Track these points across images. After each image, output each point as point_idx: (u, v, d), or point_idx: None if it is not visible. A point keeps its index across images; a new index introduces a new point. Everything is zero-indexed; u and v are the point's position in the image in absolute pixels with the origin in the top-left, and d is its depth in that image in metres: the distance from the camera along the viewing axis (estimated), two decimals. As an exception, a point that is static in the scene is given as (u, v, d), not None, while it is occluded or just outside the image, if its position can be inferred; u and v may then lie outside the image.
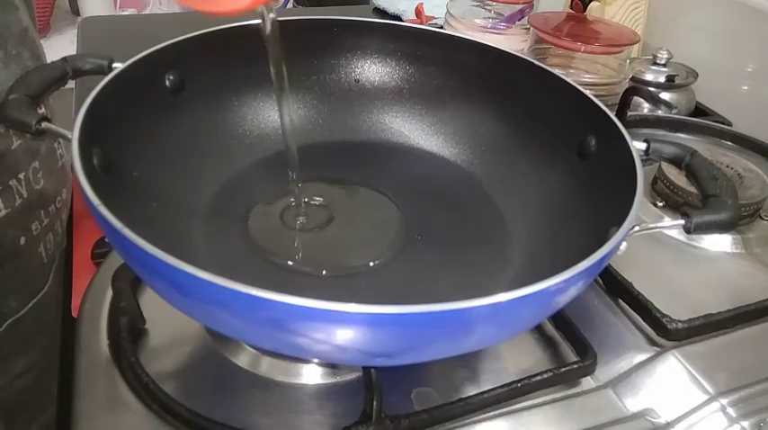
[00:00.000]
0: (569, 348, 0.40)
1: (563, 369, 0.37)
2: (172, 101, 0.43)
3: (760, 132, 0.65)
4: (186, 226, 0.41)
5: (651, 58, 0.71)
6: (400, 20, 0.93)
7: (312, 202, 0.46)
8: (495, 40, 0.51)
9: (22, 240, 0.53)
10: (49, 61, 0.40)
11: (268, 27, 0.37)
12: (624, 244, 0.31)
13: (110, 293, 0.40)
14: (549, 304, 0.30)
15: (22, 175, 0.51)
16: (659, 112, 0.68)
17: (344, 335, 0.27)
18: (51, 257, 0.58)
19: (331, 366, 0.38)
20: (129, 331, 0.37)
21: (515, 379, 0.36)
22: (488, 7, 0.80)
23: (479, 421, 0.36)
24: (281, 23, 0.47)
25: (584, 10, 0.75)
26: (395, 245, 0.43)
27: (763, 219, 0.52)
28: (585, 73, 0.68)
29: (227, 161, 0.46)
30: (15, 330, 0.54)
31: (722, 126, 0.67)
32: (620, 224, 0.31)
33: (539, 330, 0.42)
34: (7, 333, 0.54)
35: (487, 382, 0.37)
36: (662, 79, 0.70)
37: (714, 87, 0.72)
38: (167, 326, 0.39)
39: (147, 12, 1.24)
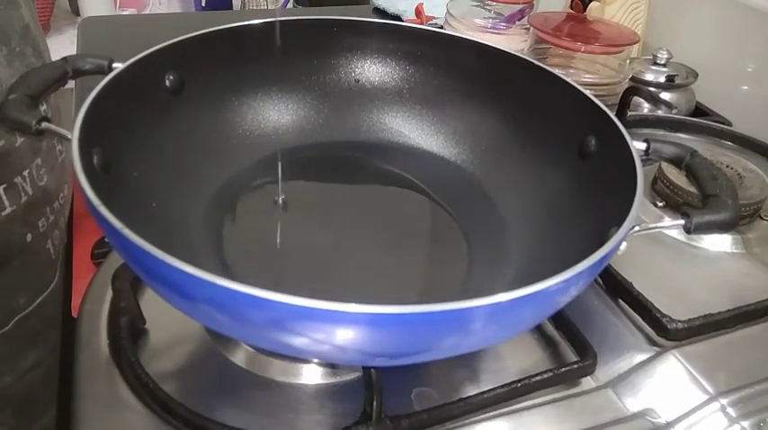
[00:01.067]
0: (569, 348, 0.40)
1: (563, 369, 0.37)
2: (172, 101, 0.43)
3: (760, 132, 0.65)
4: (186, 226, 0.41)
5: (651, 58, 0.71)
6: (400, 20, 0.93)
7: (312, 201, 0.46)
8: (495, 40, 0.51)
9: (29, 237, 0.53)
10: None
11: None
12: (624, 244, 0.31)
13: (110, 293, 0.40)
14: (550, 304, 0.30)
15: (26, 172, 0.51)
16: (659, 112, 0.68)
17: (344, 336, 0.27)
18: (58, 254, 0.58)
19: (331, 366, 0.38)
20: (129, 331, 0.37)
21: (515, 379, 0.36)
22: (488, 7, 0.80)
23: (479, 421, 0.36)
24: (282, 23, 0.47)
25: (585, 10, 0.75)
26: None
27: (763, 219, 0.52)
28: (585, 73, 0.68)
29: (227, 161, 0.46)
30: (24, 326, 0.55)
31: (722, 126, 0.66)
32: (620, 224, 0.31)
33: (539, 330, 0.42)
34: (16, 329, 0.54)
35: (487, 382, 0.37)
36: (662, 79, 0.70)
37: (714, 87, 0.72)
38: (167, 326, 0.39)
39: (147, 12, 1.24)
